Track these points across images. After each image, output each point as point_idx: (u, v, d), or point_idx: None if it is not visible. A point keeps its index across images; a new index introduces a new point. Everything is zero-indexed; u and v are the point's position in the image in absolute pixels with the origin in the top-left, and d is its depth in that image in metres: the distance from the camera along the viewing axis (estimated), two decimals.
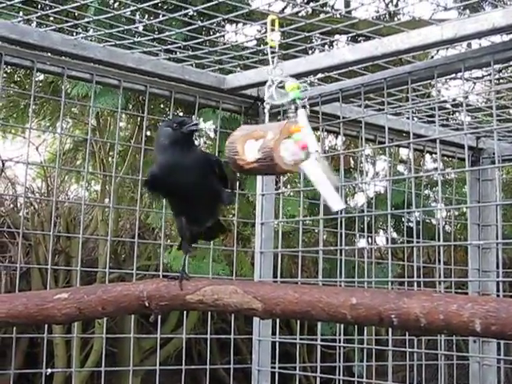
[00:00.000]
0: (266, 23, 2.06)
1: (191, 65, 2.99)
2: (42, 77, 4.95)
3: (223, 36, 3.88)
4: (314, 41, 3.51)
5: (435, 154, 4.01)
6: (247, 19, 3.20)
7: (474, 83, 4.30)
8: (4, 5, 2.56)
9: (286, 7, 5.62)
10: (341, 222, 3.18)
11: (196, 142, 2.29)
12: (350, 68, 2.86)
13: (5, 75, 4.26)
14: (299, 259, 3.16)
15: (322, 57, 2.83)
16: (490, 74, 3.46)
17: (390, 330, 3.06)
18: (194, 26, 2.78)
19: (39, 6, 3.61)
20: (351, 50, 2.69)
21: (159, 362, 3.15)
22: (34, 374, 5.61)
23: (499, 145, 3.65)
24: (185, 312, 3.27)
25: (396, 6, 6.08)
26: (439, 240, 2.83)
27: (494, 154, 3.73)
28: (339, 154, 3.53)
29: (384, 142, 3.28)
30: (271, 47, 2.03)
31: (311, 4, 3.34)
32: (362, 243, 4.80)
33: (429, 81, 3.03)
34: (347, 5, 5.88)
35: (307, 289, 1.95)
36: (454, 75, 3.44)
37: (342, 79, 3.05)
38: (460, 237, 5.43)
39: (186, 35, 2.97)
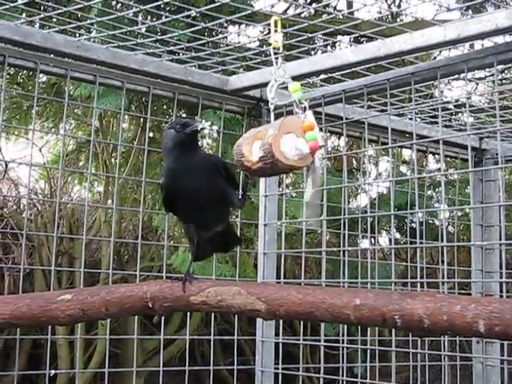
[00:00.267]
0: (268, 24, 2.06)
1: (194, 66, 3.00)
2: (44, 78, 4.96)
3: (226, 37, 3.89)
4: (316, 42, 3.51)
5: (438, 154, 4.01)
6: (250, 20, 3.20)
7: (477, 84, 4.29)
8: (7, 6, 2.56)
9: (288, 8, 5.62)
10: (344, 222, 3.18)
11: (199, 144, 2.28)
12: (353, 69, 2.86)
13: (8, 77, 4.26)
14: (302, 260, 3.16)
15: (325, 58, 2.83)
16: (492, 75, 3.46)
17: (394, 330, 3.05)
18: (197, 28, 2.78)
19: (42, 8, 3.62)
20: (354, 51, 2.69)
21: (162, 362, 3.16)
22: (38, 375, 5.63)
23: (502, 145, 3.64)
24: (188, 313, 3.26)
25: (398, 6, 6.09)
26: (442, 241, 2.82)
27: (497, 154, 3.73)
28: (342, 154, 3.53)
29: (387, 143, 3.28)
30: (275, 48, 2.03)
31: (314, 5, 3.33)
32: (364, 244, 4.80)
33: (432, 82, 3.02)
34: (349, 6, 5.89)
35: (310, 290, 1.95)
36: (456, 76, 3.44)
37: (345, 80, 3.05)
38: (463, 238, 5.43)
39: (188, 36, 2.98)
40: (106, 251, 5.64)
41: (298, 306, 1.90)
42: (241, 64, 3.01)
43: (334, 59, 2.77)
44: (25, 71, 5.10)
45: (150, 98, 3.04)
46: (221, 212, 2.13)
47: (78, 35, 2.90)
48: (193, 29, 2.79)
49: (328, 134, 3.77)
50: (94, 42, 2.89)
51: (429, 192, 5.38)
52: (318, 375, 3.16)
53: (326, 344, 3.28)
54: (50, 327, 2.80)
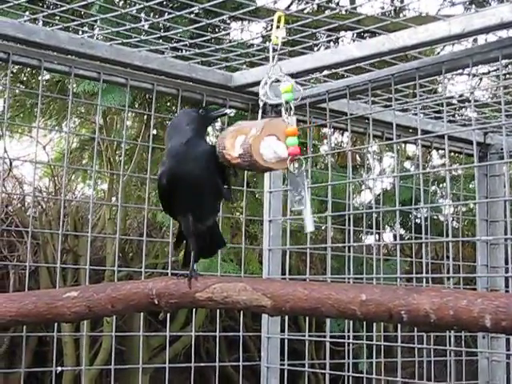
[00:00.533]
0: (272, 20, 2.06)
1: (198, 63, 2.99)
2: (47, 76, 4.96)
3: (228, 34, 3.89)
4: (319, 37, 3.50)
5: (442, 149, 4.01)
6: (253, 16, 3.20)
7: (480, 79, 4.29)
8: (11, 4, 2.56)
9: (291, 4, 5.62)
10: (349, 218, 3.18)
11: None
12: (357, 64, 2.86)
13: (11, 75, 4.26)
14: (307, 256, 3.16)
15: (329, 53, 2.82)
16: (497, 69, 3.46)
17: (399, 326, 3.06)
18: (200, 24, 2.78)
19: (45, 5, 3.62)
20: (358, 47, 2.68)
21: (168, 359, 3.16)
22: (43, 372, 5.66)
23: (507, 140, 3.64)
24: (193, 310, 3.26)
25: (402, 1, 6.07)
26: (447, 236, 2.82)
27: (501, 149, 3.73)
28: (346, 150, 3.53)
29: (391, 139, 3.28)
30: (275, 44, 2.03)
31: (316, 0, 3.33)
32: (369, 240, 4.80)
33: (436, 76, 3.01)
34: (352, 1, 5.88)
35: (316, 285, 1.95)
36: (460, 71, 3.44)
37: (348, 76, 3.05)
38: (467, 233, 5.43)
39: (192, 33, 2.98)
40: (111, 249, 5.65)
41: (304, 302, 1.90)
42: (245, 60, 3.01)
43: (338, 55, 2.76)
44: (28, 70, 5.11)
45: (154, 94, 3.04)
46: (215, 203, 2.13)
47: (81, 32, 2.89)
48: (196, 25, 2.79)
49: (331, 130, 3.77)
50: (97, 39, 2.88)
51: (433, 188, 5.38)
52: (323, 371, 3.17)
53: (331, 340, 3.29)
54: (56, 325, 2.79)
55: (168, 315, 2.38)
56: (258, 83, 3.03)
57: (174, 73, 2.95)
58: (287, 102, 1.94)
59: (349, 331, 3.23)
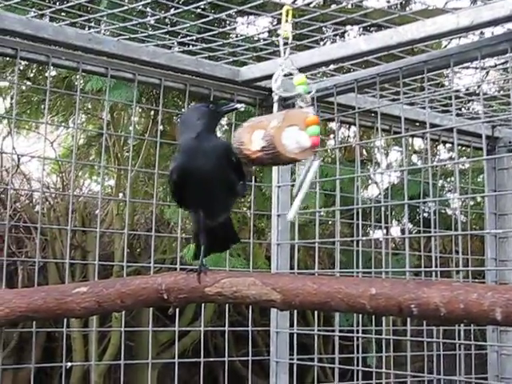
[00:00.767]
0: (278, 14, 2.06)
1: (205, 57, 2.99)
2: (54, 72, 4.97)
3: (235, 28, 3.88)
4: (325, 31, 3.49)
5: (450, 143, 4.00)
6: (260, 10, 3.19)
7: (487, 72, 4.27)
8: (18, 0, 2.57)
9: None
10: (357, 213, 3.17)
11: None
12: (365, 58, 2.85)
13: (18, 72, 4.27)
14: (316, 251, 3.15)
15: (337, 47, 2.81)
16: (505, 62, 3.44)
17: (408, 320, 3.05)
18: (208, 19, 2.78)
19: (51, 1, 3.62)
20: (366, 40, 2.67)
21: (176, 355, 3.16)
22: (52, 368, 5.67)
23: None
24: (202, 305, 3.26)
25: None
26: (456, 230, 2.82)
27: (510, 142, 3.72)
28: (354, 144, 3.52)
29: (398, 133, 3.27)
30: (285, 38, 2.03)
31: None
32: (376, 235, 4.80)
33: (444, 70, 3.00)
34: None
35: (326, 280, 1.95)
36: (467, 64, 3.42)
37: (355, 69, 3.04)
38: (475, 227, 5.42)
39: (199, 27, 2.97)
40: (119, 244, 5.66)
41: (314, 296, 1.90)
42: (252, 55, 3.01)
43: (346, 49, 2.76)
44: (34, 66, 5.12)
45: (162, 89, 3.03)
46: (227, 200, 2.13)
47: (87, 28, 2.89)
48: (203, 20, 2.78)
49: (339, 124, 3.76)
50: (104, 34, 2.88)
51: (440, 181, 5.37)
52: (333, 365, 3.17)
53: (340, 334, 3.28)
54: (65, 320, 2.80)
55: (177, 310, 2.39)
56: (265, 78, 3.06)
57: (182, 68, 2.95)
58: (302, 94, 1.94)
59: (358, 325, 3.22)
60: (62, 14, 2.98)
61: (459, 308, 1.66)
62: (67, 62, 2.79)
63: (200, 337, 3.22)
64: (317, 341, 3.25)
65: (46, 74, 4.78)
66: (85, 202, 6.40)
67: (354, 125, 3.27)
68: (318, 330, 3.41)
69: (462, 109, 3.76)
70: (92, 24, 3.14)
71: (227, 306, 3.18)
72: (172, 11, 3.21)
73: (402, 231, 6.23)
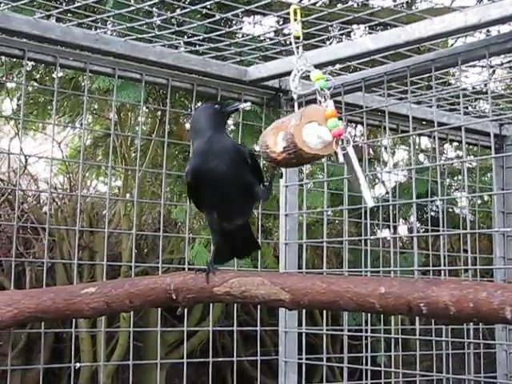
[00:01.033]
0: (285, 14, 2.06)
1: (211, 57, 2.99)
2: (60, 73, 4.97)
3: (241, 28, 3.88)
4: (331, 31, 3.49)
5: (457, 142, 3.99)
6: (266, 10, 3.19)
7: (494, 71, 4.26)
8: (26, 1, 2.57)
9: None
10: (365, 212, 3.17)
11: None
12: (372, 57, 2.84)
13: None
14: (324, 250, 3.15)
15: (344, 46, 2.81)
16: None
17: (417, 319, 3.05)
18: (214, 19, 2.78)
19: (57, 2, 3.62)
20: (373, 39, 2.67)
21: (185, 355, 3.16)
22: (60, 368, 5.68)
23: None
24: (210, 305, 3.26)
25: None
26: (464, 228, 2.81)
27: None
28: (362, 143, 3.52)
29: (405, 131, 3.27)
30: (295, 37, 2.03)
31: None
32: (383, 233, 4.79)
33: (452, 68, 3.00)
34: None
35: (334, 279, 1.94)
36: (473, 63, 3.42)
37: (363, 68, 3.04)
38: (483, 225, 5.41)
39: (205, 27, 2.97)
40: (126, 245, 5.67)
41: (323, 296, 1.90)
42: (259, 54, 3.00)
43: (353, 48, 2.75)
44: (41, 67, 5.12)
45: (169, 89, 3.03)
46: (243, 203, 2.10)
47: (94, 28, 2.90)
48: (210, 20, 2.78)
49: (345, 123, 3.76)
50: (111, 35, 2.89)
51: (447, 180, 5.36)
52: (341, 365, 3.16)
53: (349, 334, 3.28)
54: (74, 321, 2.80)
55: (185, 310, 2.38)
56: (272, 77, 3.06)
57: (189, 67, 2.95)
58: (322, 89, 1.93)
59: (366, 324, 3.22)
60: (69, 14, 2.98)
61: (469, 307, 1.66)
62: (74, 62, 2.79)
63: (208, 337, 3.21)
64: (325, 340, 3.25)
65: (53, 75, 4.80)
66: (92, 202, 6.41)
67: (362, 124, 3.26)
68: (327, 330, 3.40)
69: (469, 107, 3.75)
70: (99, 24, 3.14)
71: (235, 305, 3.18)
72: (178, 11, 3.21)
73: (409, 230, 6.22)
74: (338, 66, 3.18)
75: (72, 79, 4.90)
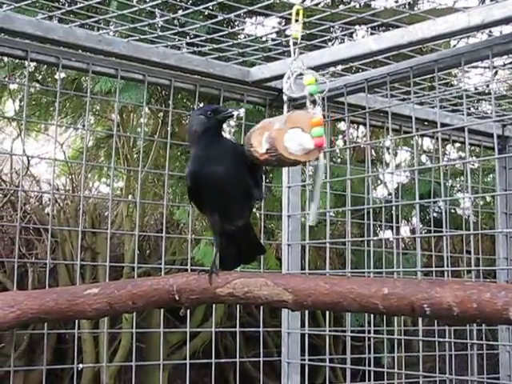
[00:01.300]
0: (287, 14, 2.05)
1: (214, 58, 2.98)
2: (63, 74, 4.98)
3: (243, 29, 3.87)
4: (333, 32, 3.48)
5: (460, 143, 3.99)
6: (268, 11, 3.19)
7: (496, 72, 4.26)
8: (28, 1, 2.57)
9: None
10: (368, 212, 3.17)
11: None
12: (375, 58, 2.84)
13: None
14: (327, 251, 3.14)
15: (347, 47, 2.81)
16: None
17: (420, 320, 3.04)
18: (217, 19, 2.78)
19: (60, 3, 3.62)
20: (376, 40, 2.66)
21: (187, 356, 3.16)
22: (63, 369, 5.68)
23: None
24: (213, 306, 3.26)
25: None
26: (467, 229, 2.80)
27: None
28: (365, 144, 3.51)
29: (408, 132, 3.26)
30: (294, 38, 2.02)
31: None
32: (386, 235, 4.78)
33: (455, 69, 2.99)
34: None
35: (337, 280, 1.94)
36: (475, 64, 3.41)
37: (365, 69, 3.03)
38: (485, 227, 5.40)
39: (208, 28, 2.97)
40: (129, 246, 5.67)
41: (326, 297, 1.90)
42: (261, 55, 3.00)
43: (356, 48, 2.75)
44: (43, 68, 5.13)
45: (172, 90, 3.03)
46: (243, 203, 2.11)
47: (96, 29, 2.90)
48: (212, 20, 2.78)
49: (348, 124, 3.75)
50: (114, 35, 2.89)
51: (450, 181, 5.35)
52: (344, 366, 3.16)
53: (352, 335, 3.28)
54: (77, 322, 2.80)
55: (188, 311, 2.38)
56: (275, 78, 3.05)
57: (192, 68, 2.94)
58: (311, 94, 1.93)
59: (369, 325, 3.22)
60: (72, 15, 2.98)
61: (472, 308, 1.65)
62: (77, 63, 2.78)
63: (210, 338, 3.21)
64: (328, 341, 3.25)
65: (56, 76, 4.80)
66: (94, 203, 6.42)
67: (364, 125, 3.26)
68: (329, 331, 3.40)
69: (471, 108, 3.74)
70: (101, 25, 3.14)
71: (238, 306, 3.18)
72: (181, 12, 3.21)
73: (411, 231, 6.22)
74: (340, 67, 3.18)
75: (74, 80, 4.91)
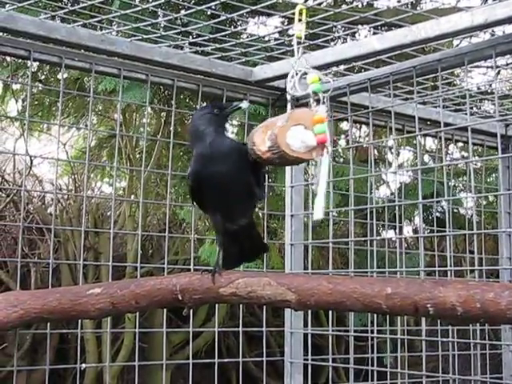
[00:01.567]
0: (290, 14, 2.05)
1: (217, 58, 2.98)
2: (65, 74, 4.98)
3: (246, 28, 3.87)
4: (336, 31, 3.48)
5: (463, 142, 3.98)
6: (271, 10, 3.18)
7: (499, 71, 4.25)
8: (31, 1, 2.57)
9: None
10: (371, 212, 3.16)
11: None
12: (378, 57, 2.84)
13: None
14: (330, 251, 3.14)
15: (350, 47, 2.80)
16: None
17: (424, 320, 3.04)
18: (219, 19, 2.77)
19: (62, 2, 3.62)
20: (379, 39, 2.66)
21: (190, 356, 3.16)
22: (65, 369, 5.68)
23: None
24: (216, 306, 3.26)
25: None
26: (470, 229, 2.80)
27: None
28: (368, 144, 3.51)
29: (411, 132, 3.26)
30: (298, 37, 2.02)
31: None
32: (389, 235, 4.78)
33: (458, 68, 2.98)
34: None
35: (341, 279, 1.94)
36: (478, 63, 3.41)
37: (368, 69, 3.03)
38: (488, 226, 5.40)
39: (211, 28, 2.97)
40: (132, 245, 5.67)
41: (329, 296, 1.90)
42: (264, 55, 3.00)
43: (359, 48, 2.74)
44: (46, 68, 5.13)
45: (175, 90, 3.03)
46: (245, 203, 2.10)
47: (99, 29, 2.90)
48: (215, 20, 2.78)
49: (352, 124, 3.75)
50: (116, 35, 2.89)
51: (452, 181, 5.35)
52: (347, 366, 3.15)
53: (355, 334, 3.27)
54: (80, 321, 2.80)
55: (191, 311, 2.38)
56: (278, 78, 3.05)
57: (195, 68, 2.94)
58: (315, 93, 1.93)
59: (372, 325, 3.21)
60: (74, 15, 2.98)
61: (476, 307, 1.65)
62: (80, 63, 2.78)
63: (213, 338, 3.21)
64: (331, 341, 3.24)
65: (58, 76, 4.80)
66: (97, 203, 6.42)
67: (367, 124, 3.26)
68: (332, 331, 3.40)
69: (474, 108, 3.74)
70: (104, 25, 3.14)
71: (241, 306, 3.18)
72: (184, 12, 3.21)
73: (414, 231, 6.21)
74: (342, 67, 3.17)
75: (77, 80, 4.91)
